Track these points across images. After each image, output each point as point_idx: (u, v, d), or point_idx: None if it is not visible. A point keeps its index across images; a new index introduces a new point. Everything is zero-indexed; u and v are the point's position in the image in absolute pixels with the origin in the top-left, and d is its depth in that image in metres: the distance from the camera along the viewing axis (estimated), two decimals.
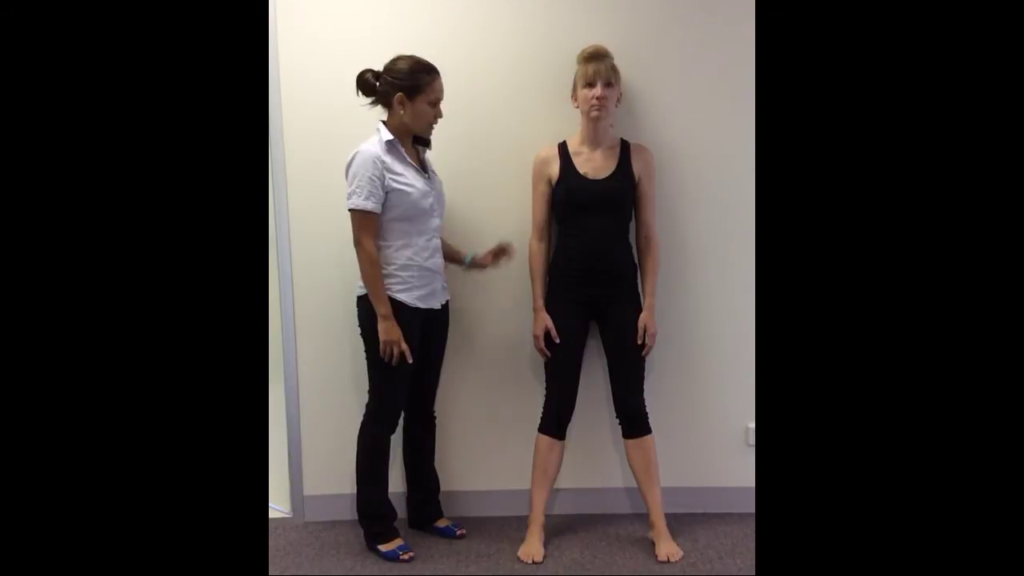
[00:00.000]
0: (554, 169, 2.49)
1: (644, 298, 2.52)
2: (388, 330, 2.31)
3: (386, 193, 2.30)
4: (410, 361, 2.35)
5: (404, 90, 2.30)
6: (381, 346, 2.32)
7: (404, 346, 2.32)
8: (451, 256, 2.56)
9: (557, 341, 2.48)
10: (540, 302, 2.52)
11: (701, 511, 2.77)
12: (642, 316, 2.48)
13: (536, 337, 2.51)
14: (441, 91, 2.35)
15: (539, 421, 2.55)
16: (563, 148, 2.50)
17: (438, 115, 2.37)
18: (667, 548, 2.45)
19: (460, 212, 2.64)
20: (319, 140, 2.56)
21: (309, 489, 2.77)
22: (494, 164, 2.63)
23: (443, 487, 2.69)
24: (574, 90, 2.45)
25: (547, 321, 2.49)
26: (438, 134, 2.45)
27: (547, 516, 2.58)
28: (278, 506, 2.84)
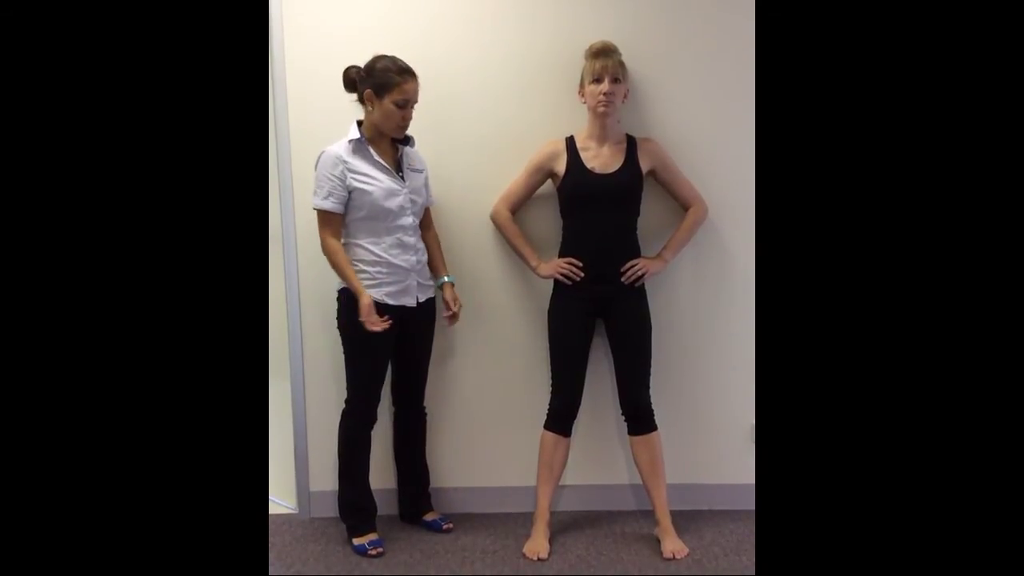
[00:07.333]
0: (560, 164, 2.48)
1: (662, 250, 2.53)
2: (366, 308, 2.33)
3: (349, 192, 2.33)
4: (377, 329, 2.32)
5: (373, 88, 2.32)
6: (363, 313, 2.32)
7: (375, 322, 2.32)
8: (433, 265, 2.55)
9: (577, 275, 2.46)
10: (536, 257, 2.53)
11: (707, 508, 2.77)
12: (646, 258, 2.48)
13: (557, 268, 2.46)
14: (412, 94, 2.32)
15: (545, 418, 2.55)
16: (571, 143, 2.50)
17: (406, 117, 2.34)
18: (673, 545, 2.45)
19: (466, 209, 2.64)
20: (326, 138, 2.56)
21: (315, 485, 2.77)
22: (501, 161, 2.62)
23: (449, 483, 2.70)
24: (581, 85, 2.45)
25: (555, 262, 2.48)
26: (444, 131, 2.44)
27: (553, 513, 2.59)
28: (284, 502, 2.84)
